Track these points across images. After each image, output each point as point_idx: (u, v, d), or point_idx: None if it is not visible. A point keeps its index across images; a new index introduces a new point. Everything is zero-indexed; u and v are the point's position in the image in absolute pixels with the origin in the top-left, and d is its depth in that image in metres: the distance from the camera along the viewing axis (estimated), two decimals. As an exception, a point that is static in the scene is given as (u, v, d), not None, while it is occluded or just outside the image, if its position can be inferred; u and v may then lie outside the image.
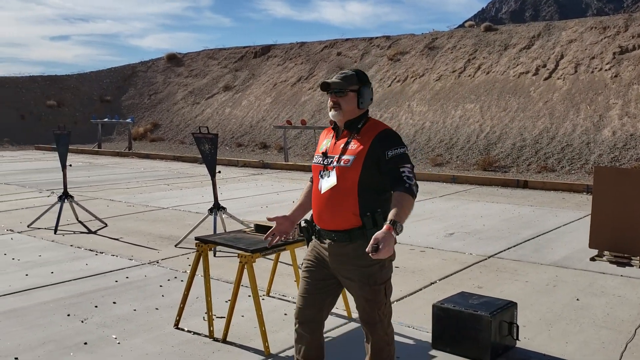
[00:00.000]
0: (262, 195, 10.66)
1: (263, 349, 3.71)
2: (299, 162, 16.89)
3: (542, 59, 18.28)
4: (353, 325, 4.24)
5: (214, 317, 4.04)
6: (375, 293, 2.81)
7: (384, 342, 2.91)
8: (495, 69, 18.92)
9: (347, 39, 25.44)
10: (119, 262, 5.89)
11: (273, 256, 4.83)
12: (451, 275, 5.55)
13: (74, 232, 7.36)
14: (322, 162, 2.87)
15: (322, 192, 2.82)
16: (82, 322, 4.23)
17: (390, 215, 2.57)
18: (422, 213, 8.81)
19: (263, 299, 4.59)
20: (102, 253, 6.22)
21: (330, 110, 2.85)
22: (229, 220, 7.27)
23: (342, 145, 2.83)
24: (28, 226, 7.61)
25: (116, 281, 5.25)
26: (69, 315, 4.37)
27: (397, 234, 2.55)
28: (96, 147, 22.17)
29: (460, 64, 19.93)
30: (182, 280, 5.21)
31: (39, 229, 7.48)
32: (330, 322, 4.24)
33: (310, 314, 2.98)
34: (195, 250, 4.07)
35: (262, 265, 5.39)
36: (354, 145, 2.79)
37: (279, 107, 22.95)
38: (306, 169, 15.29)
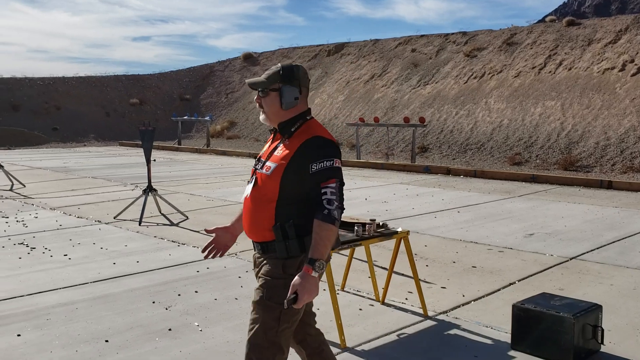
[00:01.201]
0: (336, 192, 10.71)
1: (339, 342, 3.75)
2: (370, 159, 16.86)
3: (629, 53, 17.35)
4: (429, 323, 4.21)
5: (290, 309, 4.12)
6: (265, 310, 2.39)
7: None
8: (577, 64, 18.15)
9: (422, 35, 25.13)
10: (199, 253, 6.11)
11: (347, 252, 4.87)
12: (531, 276, 5.39)
13: (157, 224, 7.70)
14: (254, 166, 2.57)
15: (244, 198, 2.55)
16: (167, 309, 4.42)
17: (310, 252, 2.26)
18: (500, 213, 8.61)
19: (338, 294, 4.64)
20: (184, 244, 6.47)
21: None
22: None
23: (270, 150, 2.52)
24: (114, 218, 8.01)
25: (197, 271, 5.45)
26: (154, 302, 4.58)
27: (319, 273, 2.24)
28: (176, 144, 23.00)
29: (541, 60, 19.25)
30: (259, 273, 5.34)
31: (124, 220, 7.86)
32: (405, 319, 4.24)
33: None
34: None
35: (336, 261, 5.45)
36: (279, 152, 2.44)
37: (352, 104, 22.98)
38: (378, 166, 15.25)
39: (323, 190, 2.31)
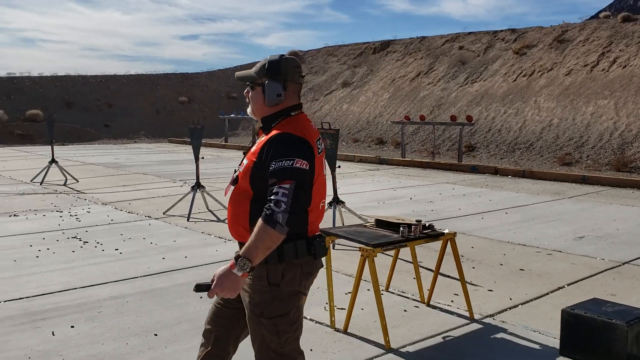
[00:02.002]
0: (379, 191, 10.68)
1: (383, 343, 3.74)
2: (416, 158, 16.71)
3: (689, 50, 16.64)
4: (475, 326, 4.15)
5: (335, 307, 4.14)
6: (260, 326, 2.30)
7: None
8: (633, 62, 17.51)
9: (469, 33, 24.73)
10: (244, 250, 6.19)
11: (392, 252, 4.85)
12: (581, 280, 5.25)
13: (205, 220, 7.84)
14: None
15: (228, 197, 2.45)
16: (213, 304, 4.50)
17: (242, 249, 2.11)
18: (549, 214, 8.41)
19: (382, 294, 4.63)
20: (230, 241, 6.57)
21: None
22: (347, 214, 7.38)
23: (251, 147, 2.44)
24: (164, 213, 8.20)
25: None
26: (201, 297, 4.67)
27: (243, 271, 2.06)
28: (223, 141, 23.35)
29: (593, 58, 18.67)
30: (303, 271, 5.37)
31: (173, 216, 8.04)
32: (451, 321, 4.20)
33: (218, 331, 2.50)
34: (318, 242, 4.18)
35: (380, 261, 5.43)
36: (254, 148, 2.35)
37: (397, 102, 22.82)
38: (424, 165, 15.10)
39: (275, 190, 2.10)
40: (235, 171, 2.41)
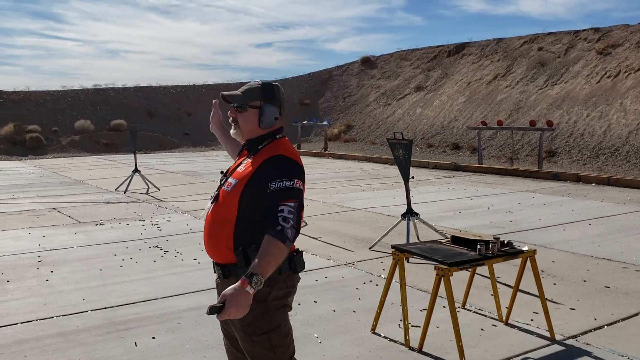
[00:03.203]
0: (455, 200, 10.46)
1: (459, 364, 3.65)
2: (493, 164, 16.26)
3: None
4: (556, 347, 3.98)
5: (409, 325, 4.09)
6: (255, 345, 2.33)
7: None
8: None
9: (549, 33, 23.85)
10: (318, 261, 6.23)
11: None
12: (674, 300, 4.92)
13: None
14: (220, 182, 2.52)
15: (205, 215, 2.47)
16: (287, 318, 4.55)
17: (251, 266, 2.12)
18: (637, 226, 7.95)
19: (459, 312, 4.52)
20: (303, 251, 6.59)
21: (231, 127, 2.50)
22: (421, 226, 7.27)
23: (234, 166, 2.49)
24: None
25: (316, 280, 5.56)
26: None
27: (255, 289, 2.08)
28: (296, 148, 23.63)
29: (687, 55, 17.53)
30: (377, 285, 5.34)
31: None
32: (530, 342, 4.04)
33: None
34: (389, 254, 4.15)
35: (456, 277, 5.30)
36: (242, 168, 2.40)
37: (473, 106, 22.32)
38: (502, 172, 14.67)
39: (280, 208, 2.21)
40: (217, 190, 2.46)
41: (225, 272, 2.38)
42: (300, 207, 2.26)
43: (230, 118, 2.46)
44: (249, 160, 2.41)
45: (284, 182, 2.25)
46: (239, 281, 2.09)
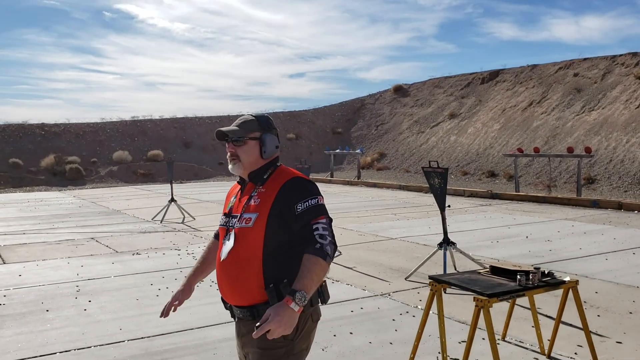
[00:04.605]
0: (492, 229, 10.27)
1: (501, 400, 3.52)
2: (531, 192, 15.97)
3: None
4: (604, 383, 3.81)
5: (448, 358, 3.98)
6: None
7: None
8: None
9: (584, 59, 23.55)
10: (353, 291, 6.16)
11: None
12: None
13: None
14: (226, 224, 2.41)
15: (221, 259, 2.36)
16: (323, 350, 4.49)
17: (294, 283, 2.10)
18: (683, 255, 7.65)
19: (499, 344, 4.39)
20: (338, 281, 6.57)
21: (229, 163, 2.43)
22: (458, 255, 7.14)
23: (245, 202, 2.38)
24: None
25: (352, 311, 5.49)
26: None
27: (299, 306, 2.04)
28: (329, 177, 23.68)
29: None
30: (413, 316, 5.24)
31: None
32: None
33: None
34: (425, 285, 4.07)
35: (496, 307, 5.17)
36: (256, 200, 2.32)
37: (508, 133, 22.07)
38: (539, 200, 14.38)
39: (315, 227, 2.20)
40: (227, 232, 2.37)
41: (254, 313, 2.26)
42: (330, 222, 2.28)
43: (228, 153, 2.42)
44: (261, 191, 2.35)
45: (309, 200, 2.26)
46: (284, 299, 2.06)
